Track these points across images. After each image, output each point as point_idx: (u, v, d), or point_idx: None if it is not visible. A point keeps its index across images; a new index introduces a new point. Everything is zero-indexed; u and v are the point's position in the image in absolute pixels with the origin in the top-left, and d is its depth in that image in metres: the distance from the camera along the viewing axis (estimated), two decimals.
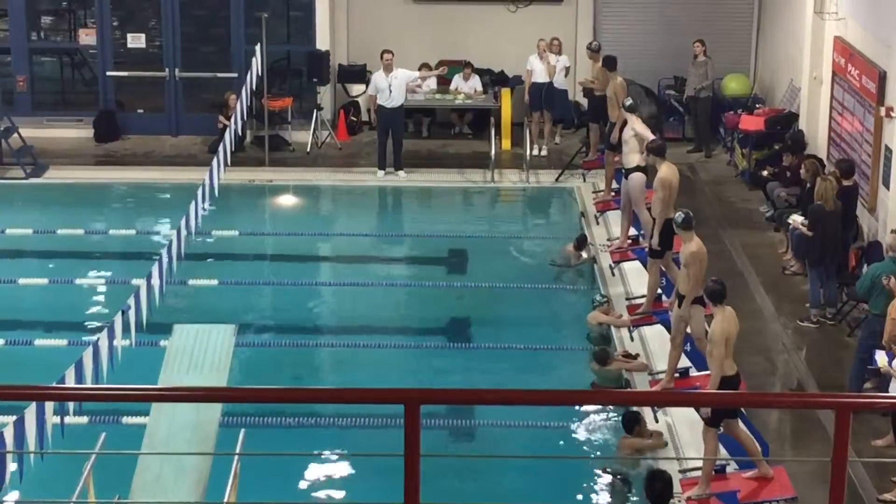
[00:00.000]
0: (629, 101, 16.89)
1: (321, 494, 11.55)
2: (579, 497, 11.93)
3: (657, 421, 12.69)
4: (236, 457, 10.00)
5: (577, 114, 22.60)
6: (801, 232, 15.77)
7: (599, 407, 13.07)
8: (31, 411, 9.27)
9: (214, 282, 16.79)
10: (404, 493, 5.08)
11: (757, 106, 21.38)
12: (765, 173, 19.13)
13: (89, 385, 10.04)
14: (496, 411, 12.79)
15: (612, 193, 18.10)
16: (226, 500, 9.50)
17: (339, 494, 11.55)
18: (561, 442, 12.85)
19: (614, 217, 17.80)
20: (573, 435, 12.99)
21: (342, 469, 12.09)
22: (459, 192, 20.36)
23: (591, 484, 12.18)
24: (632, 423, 12.31)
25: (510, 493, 11.61)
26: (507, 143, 22.12)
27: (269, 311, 16.05)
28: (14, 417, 9.24)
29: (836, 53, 18.46)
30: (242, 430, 10.64)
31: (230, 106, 21.26)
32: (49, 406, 9.44)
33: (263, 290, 16.73)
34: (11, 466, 9.33)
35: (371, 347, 14.86)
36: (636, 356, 14.24)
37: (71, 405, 10.35)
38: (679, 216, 13.17)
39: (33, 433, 9.32)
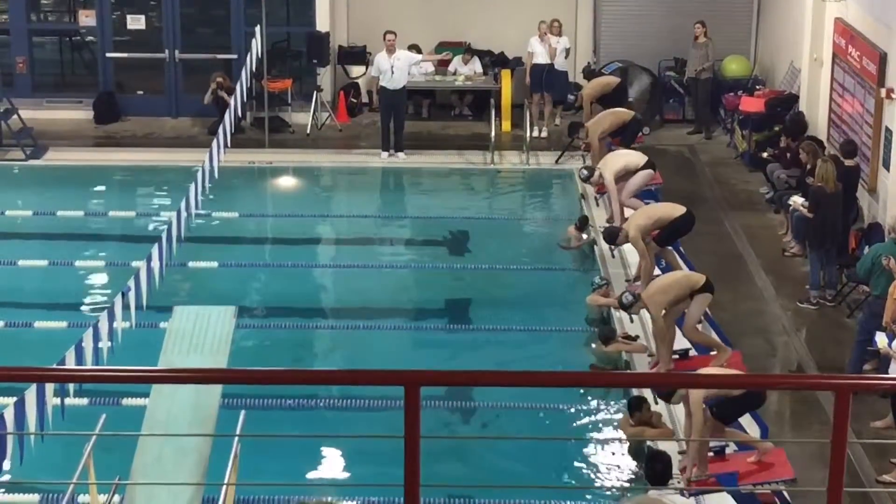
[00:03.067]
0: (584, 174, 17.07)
1: (321, 476, 11.56)
2: (578, 478, 11.94)
3: (657, 402, 12.68)
4: (236, 438, 10.01)
5: (577, 96, 22.55)
6: (802, 213, 15.76)
7: (600, 388, 13.09)
8: (31, 392, 9.28)
9: (214, 264, 16.77)
10: (404, 474, 5.09)
11: (757, 88, 21.36)
12: (765, 155, 19.12)
13: (89, 366, 10.04)
14: (496, 393, 12.81)
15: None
16: (226, 480, 9.51)
17: (339, 476, 11.56)
18: (560, 423, 12.87)
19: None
20: (572, 416, 13.01)
21: (342, 451, 12.09)
22: (459, 174, 20.34)
23: (592, 465, 12.20)
24: (636, 408, 12.29)
25: (509, 475, 11.62)
26: (507, 125, 22.11)
27: (269, 292, 16.05)
28: (14, 399, 9.24)
29: (837, 35, 18.43)
30: (243, 412, 10.63)
31: (221, 85, 21.28)
32: (49, 387, 9.44)
33: (263, 271, 16.73)
34: (12, 447, 9.34)
35: (371, 329, 14.86)
36: (636, 338, 14.25)
37: (71, 386, 10.36)
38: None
39: (34, 414, 9.33)
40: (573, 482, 11.86)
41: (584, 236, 17.16)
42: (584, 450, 12.40)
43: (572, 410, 13.05)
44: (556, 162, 20.48)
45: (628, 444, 12.29)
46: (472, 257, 17.07)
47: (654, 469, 10.40)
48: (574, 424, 12.93)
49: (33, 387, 9.25)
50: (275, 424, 12.45)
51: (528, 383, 7.10)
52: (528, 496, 11.13)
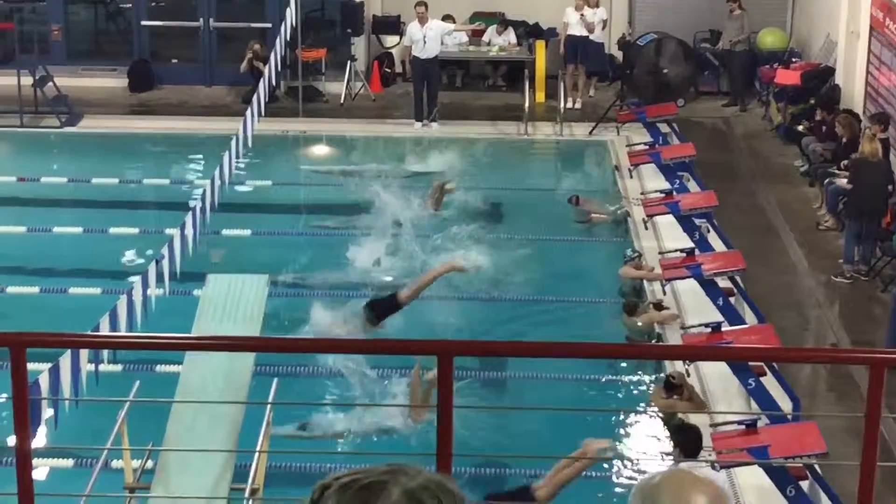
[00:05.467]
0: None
1: (354, 445, 11.55)
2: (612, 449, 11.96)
3: (688, 374, 12.67)
4: (269, 406, 10.05)
5: (613, 67, 22.48)
6: (842, 185, 15.69)
7: (632, 360, 13.07)
8: (65, 359, 9.31)
9: (247, 232, 16.83)
10: (437, 443, 5.10)
11: (793, 60, 21.22)
12: (800, 128, 19.02)
13: (123, 333, 10.09)
14: (528, 363, 12.80)
15: (646, 146, 17.98)
16: (258, 448, 9.56)
17: (372, 444, 11.54)
18: (592, 394, 12.87)
19: (647, 170, 17.74)
20: (604, 388, 13.01)
21: (375, 419, 12.11)
22: (492, 145, 20.30)
23: (623, 436, 12.21)
24: (669, 380, 12.27)
25: (541, 446, 11.63)
26: (541, 96, 22.05)
27: (302, 261, 16.06)
28: (49, 365, 9.28)
29: (875, 7, 18.28)
30: (275, 380, 10.68)
31: (257, 54, 21.28)
32: (83, 354, 9.49)
33: (296, 240, 16.75)
34: (47, 413, 9.40)
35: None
36: (666, 308, 14.22)
37: (105, 353, 10.41)
38: None
39: (68, 380, 9.37)
40: (604, 453, 11.86)
41: (601, 215, 17.10)
42: (615, 421, 12.40)
43: (603, 381, 13.05)
44: (590, 133, 20.42)
45: (660, 416, 12.28)
46: (504, 228, 17.05)
47: (685, 441, 10.39)
48: (605, 396, 12.93)
49: (67, 353, 9.30)
50: (307, 393, 12.50)
51: (561, 354, 7.11)
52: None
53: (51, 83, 21.15)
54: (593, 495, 10.71)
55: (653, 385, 12.71)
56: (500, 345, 6.00)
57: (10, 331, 5.59)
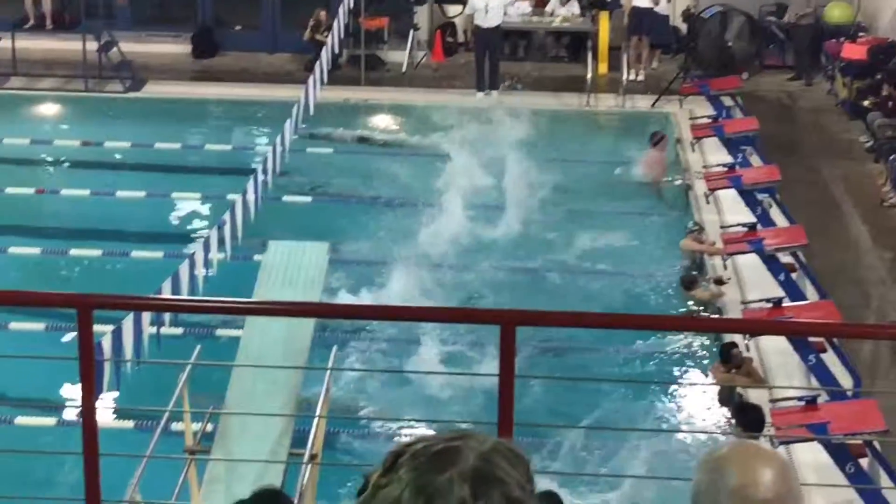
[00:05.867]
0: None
1: (413, 413, 11.56)
2: (668, 422, 11.94)
3: (748, 350, 12.61)
4: (328, 372, 10.09)
5: (677, 39, 22.32)
6: None
7: (692, 333, 13.02)
8: (128, 321, 9.40)
9: (308, 199, 16.89)
10: (498, 413, 5.11)
11: (860, 34, 20.98)
12: (866, 103, 18.83)
13: (186, 297, 10.16)
14: (590, 335, 12.77)
15: (710, 120, 17.85)
16: (317, 413, 9.60)
17: (431, 413, 11.51)
18: (651, 367, 12.85)
19: (710, 144, 17.62)
20: (664, 360, 12.98)
21: (435, 388, 12.14)
22: (554, 116, 20.20)
23: (682, 409, 12.19)
24: (729, 354, 12.22)
25: (600, 417, 11.63)
26: (603, 67, 21.92)
27: (363, 229, 16.10)
28: (111, 327, 9.37)
29: None
30: (334, 347, 10.72)
31: (320, 24, 21.29)
32: (146, 316, 9.57)
33: (356, 208, 16.78)
34: (109, 375, 9.49)
35: (465, 269, 14.88)
36: (727, 281, 14.15)
37: (167, 316, 10.49)
38: None
39: (130, 343, 9.46)
40: (663, 426, 11.86)
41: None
42: (675, 394, 12.37)
43: (663, 354, 13.01)
44: (653, 106, 20.30)
45: (719, 390, 12.24)
46: (565, 199, 16.99)
47: (747, 422, 10.34)
48: (664, 368, 12.90)
49: (130, 315, 9.38)
50: (367, 361, 12.55)
51: (622, 325, 7.09)
52: (618, 439, 11.14)
53: (115, 48, 21.28)
54: (658, 469, 10.70)
55: (712, 358, 12.66)
56: (562, 315, 5.98)
57: (76, 292, 5.65)
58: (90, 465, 5.18)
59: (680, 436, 11.65)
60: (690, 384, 12.59)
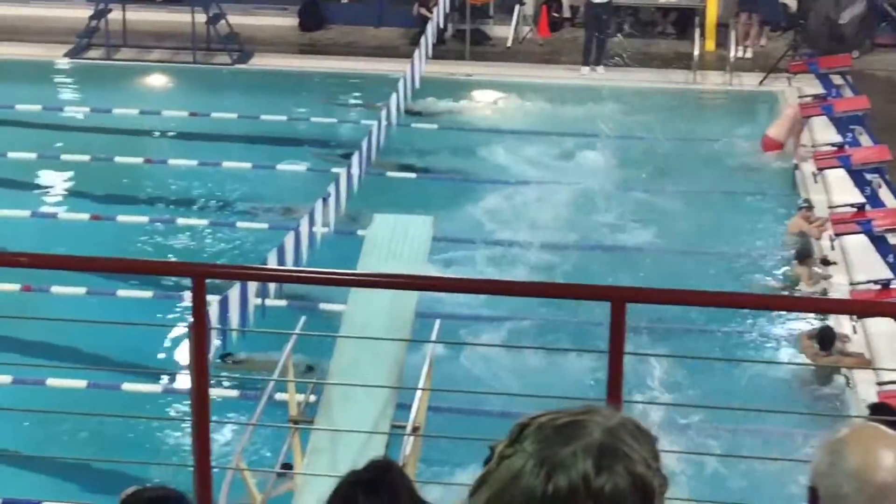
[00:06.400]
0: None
1: (519, 387, 11.51)
2: (773, 401, 11.86)
3: (854, 332, 12.46)
4: (431, 345, 10.11)
5: (786, 16, 22.01)
6: None
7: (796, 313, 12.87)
8: (234, 291, 9.50)
9: (412, 175, 16.93)
10: (607, 389, 5.09)
11: None
12: None
13: (291, 267, 10.24)
14: (697, 314, 12.67)
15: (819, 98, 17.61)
16: (420, 385, 9.63)
17: (537, 388, 11.46)
18: (756, 346, 12.74)
19: (819, 123, 17.37)
20: (767, 340, 12.86)
21: (542, 363, 12.11)
22: (660, 93, 20.05)
23: (787, 391, 12.09)
24: (827, 340, 12.09)
25: (706, 394, 11.56)
26: (710, 44, 21.68)
27: (466, 204, 16.11)
28: (218, 297, 9.47)
29: None
30: (438, 321, 10.73)
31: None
32: (251, 287, 9.66)
33: (460, 183, 16.78)
34: (215, 343, 9.60)
35: (567, 247, 14.83)
36: (834, 262, 13.97)
37: (272, 287, 10.58)
38: None
39: (236, 312, 9.56)
40: (769, 407, 11.77)
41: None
42: (777, 375, 12.27)
43: (766, 333, 12.89)
44: (761, 83, 20.06)
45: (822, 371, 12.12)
46: (670, 178, 16.87)
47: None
48: (767, 347, 12.79)
49: (237, 285, 9.47)
50: (470, 335, 12.57)
51: (731, 304, 7.03)
52: (726, 419, 11.07)
53: (223, 21, 21.46)
54: (776, 451, 10.65)
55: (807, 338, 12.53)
56: (672, 293, 5.94)
57: (189, 261, 5.71)
58: (200, 431, 5.24)
59: (797, 418, 11.53)
60: (798, 364, 12.44)
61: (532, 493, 2.04)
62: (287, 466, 9.68)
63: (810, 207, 15.02)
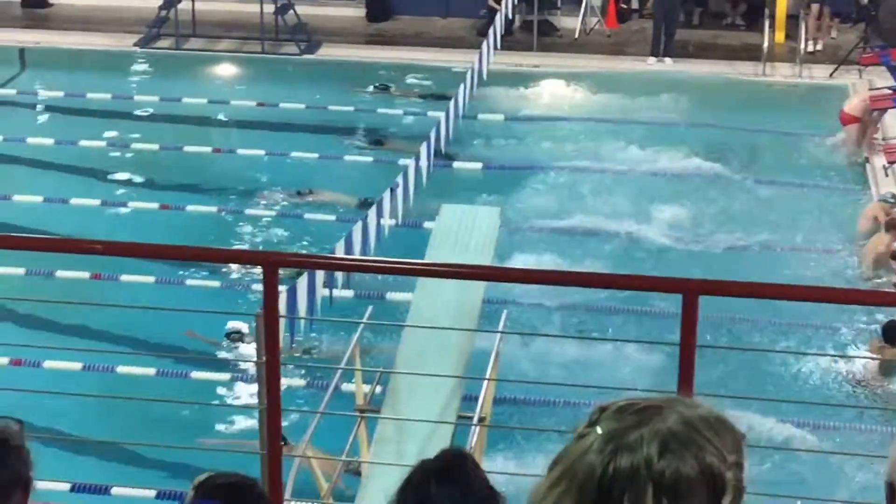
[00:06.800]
0: None
1: (586, 378, 11.47)
2: (847, 397, 11.77)
3: None
4: (498, 336, 10.10)
5: (857, 8, 21.78)
6: None
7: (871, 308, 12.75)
8: (302, 280, 9.53)
9: (479, 165, 16.91)
10: (678, 382, 5.07)
11: None
12: None
13: (360, 257, 10.26)
14: (769, 309, 12.57)
15: (890, 91, 17.42)
16: (487, 375, 9.62)
17: (605, 379, 11.41)
18: (829, 341, 12.64)
19: (890, 116, 17.19)
20: (841, 335, 12.76)
21: (610, 354, 12.07)
22: (728, 84, 19.91)
23: (859, 385, 11.99)
24: (892, 334, 11.97)
25: (777, 389, 11.48)
26: (780, 36, 21.49)
27: (533, 195, 16.08)
28: (286, 287, 9.49)
29: None
30: (504, 311, 10.72)
31: None
32: (319, 276, 9.68)
33: (527, 174, 16.74)
34: (283, 331, 9.63)
35: (637, 240, 14.78)
36: None
37: (340, 277, 10.60)
38: None
39: (304, 301, 9.59)
40: (842, 400, 11.69)
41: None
42: (850, 369, 12.17)
43: (842, 329, 12.79)
44: (831, 76, 19.87)
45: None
46: (738, 171, 16.75)
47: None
48: (839, 342, 12.69)
49: (305, 274, 9.50)
50: (536, 326, 12.56)
51: (806, 298, 6.96)
52: (798, 413, 10.99)
53: (292, 11, 21.54)
54: (848, 444, 10.58)
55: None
56: (745, 285, 5.89)
57: (261, 250, 5.74)
58: (272, 418, 5.27)
59: (866, 412, 11.44)
60: (871, 358, 12.34)
61: (593, 471, 2.05)
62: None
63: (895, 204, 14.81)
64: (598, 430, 2.08)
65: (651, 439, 2.05)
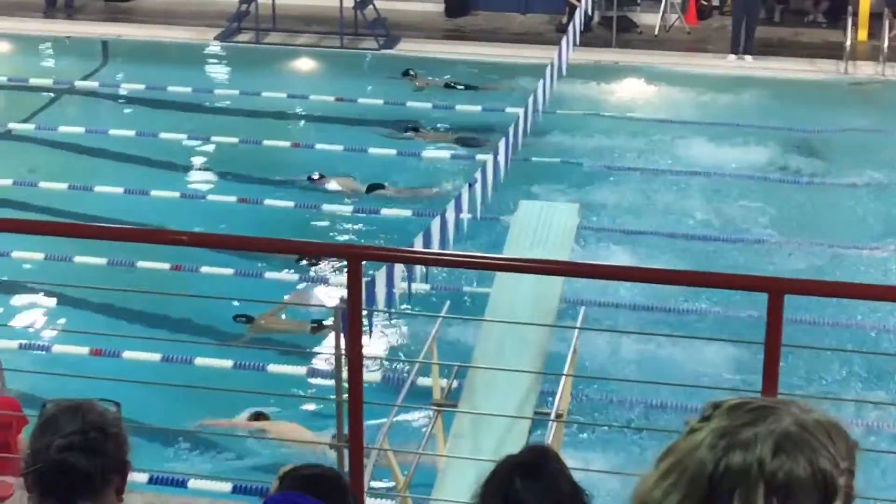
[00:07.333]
0: None
1: (665, 376, 11.38)
2: None
3: None
4: (576, 332, 10.06)
5: None
6: None
7: None
8: (380, 274, 9.54)
9: (557, 160, 16.85)
10: (763, 380, 5.02)
11: None
12: None
13: (439, 251, 10.26)
14: (851, 309, 12.43)
15: None
16: (565, 371, 9.59)
17: (686, 377, 11.30)
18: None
19: None
20: None
21: (693, 353, 11.98)
22: (809, 83, 19.70)
23: None
24: None
25: (863, 388, 11.36)
26: (863, 34, 21.24)
27: (611, 191, 16.01)
28: (365, 280, 9.50)
29: None
30: (582, 308, 10.68)
31: None
32: (398, 270, 9.69)
33: (607, 172, 16.66)
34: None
35: (716, 238, 14.67)
36: None
37: (418, 272, 10.61)
38: None
39: (382, 294, 9.59)
40: None
41: None
42: None
43: None
44: None
45: None
46: (820, 170, 16.58)
47: None
48: None
49: (383, 268, 9.51)
50: (616, 323, 12.50)
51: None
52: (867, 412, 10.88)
53: (371, 6, 21.59)
54: None
55: None
56: (831, 285, 5.82)
57: (346, 244, 5.74)
58: (355, 411, 5.28)
59: None
60: None
61: (704, 467, 2.05)
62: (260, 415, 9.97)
63: None
64: (713, 424, 2.08)
65: (765, 439, 2.04)
